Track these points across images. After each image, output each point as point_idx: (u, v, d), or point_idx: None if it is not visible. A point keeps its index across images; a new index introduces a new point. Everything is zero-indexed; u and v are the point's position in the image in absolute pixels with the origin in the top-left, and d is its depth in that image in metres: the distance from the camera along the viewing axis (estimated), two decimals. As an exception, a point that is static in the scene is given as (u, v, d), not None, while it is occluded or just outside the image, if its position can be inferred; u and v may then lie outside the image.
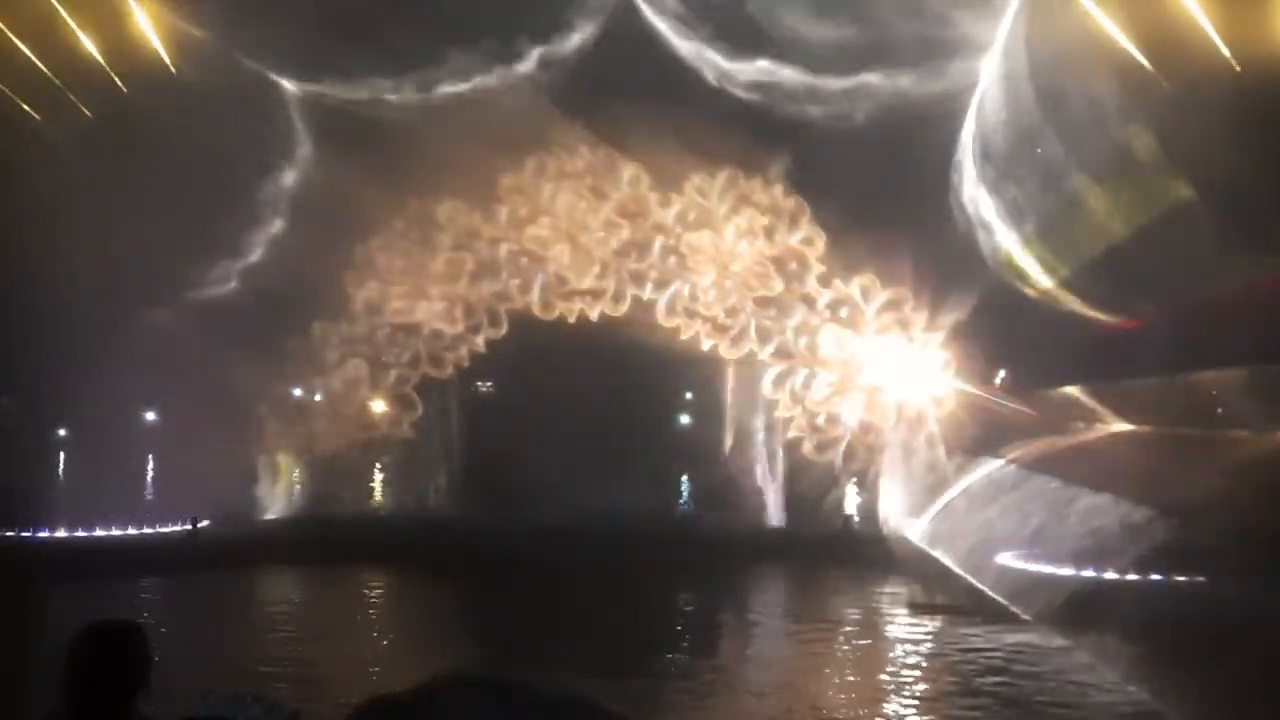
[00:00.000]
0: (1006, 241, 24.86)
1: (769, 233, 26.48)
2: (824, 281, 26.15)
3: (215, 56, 26.39)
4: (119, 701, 2.60)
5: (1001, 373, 26.03)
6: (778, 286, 26.41)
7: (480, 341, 28.09)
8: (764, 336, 26.56)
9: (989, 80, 24.38)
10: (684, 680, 15.74)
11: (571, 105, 27.02)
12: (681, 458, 31.07)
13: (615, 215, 27.65)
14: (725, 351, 26.88)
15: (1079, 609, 17.37)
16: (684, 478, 29.90)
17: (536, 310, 27.71)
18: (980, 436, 24.96)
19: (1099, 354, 24.82)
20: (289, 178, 28.11)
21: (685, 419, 29.85)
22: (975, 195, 24.98)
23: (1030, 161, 24.20)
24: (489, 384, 30.33)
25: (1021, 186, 24.50)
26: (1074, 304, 24.48)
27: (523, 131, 27.03)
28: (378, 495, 30.16)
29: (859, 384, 25.69)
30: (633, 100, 25.90)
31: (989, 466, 24.86)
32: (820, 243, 26.18)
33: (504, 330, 27.93)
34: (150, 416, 31.36)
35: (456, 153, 26.68)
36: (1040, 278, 24.99)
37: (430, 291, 28.10)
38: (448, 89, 27.15)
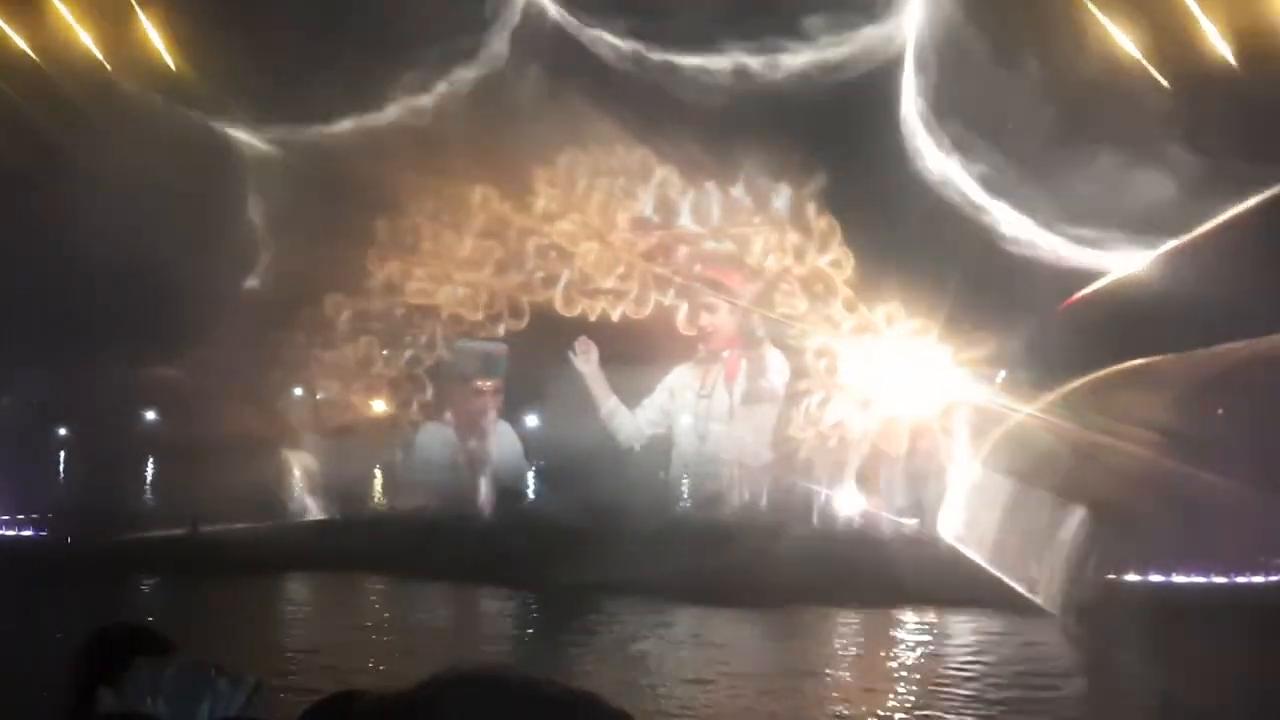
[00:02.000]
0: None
1: (799, 252, 26.71)
2: (849, 305, 26.42)
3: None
4: (81, 702, 2.67)
5: (1002, 373, 26.08)
6: (802, 306, 26.66)
7: (500, 331, 28.12)
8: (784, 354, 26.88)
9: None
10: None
11: (607, 101, 26.93)
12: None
13: (644, 217, 27.76)
14: (743, 364, 27.14)
15: None
16: (684, 479, 30.05)
17: (559, 305, 27.77)
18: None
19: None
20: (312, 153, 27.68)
21: (687, 420, 29.95)
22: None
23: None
24: (489, 383, 30.16)
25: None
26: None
27: (560, 125, 26.92)
28: (378, 493, 29.99)
29: (875, 409, 26.01)
30: (669, 101, 26.08)
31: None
32: (849, 266, 26.44)
33: (525, 322, 27.96)
34: (150, 415, 30.89)
35: (493, 140, 26.62)
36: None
37: (454, 276, 28.07)
38: (486, 76, 27.00)
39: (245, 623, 18.81)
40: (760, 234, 26.85)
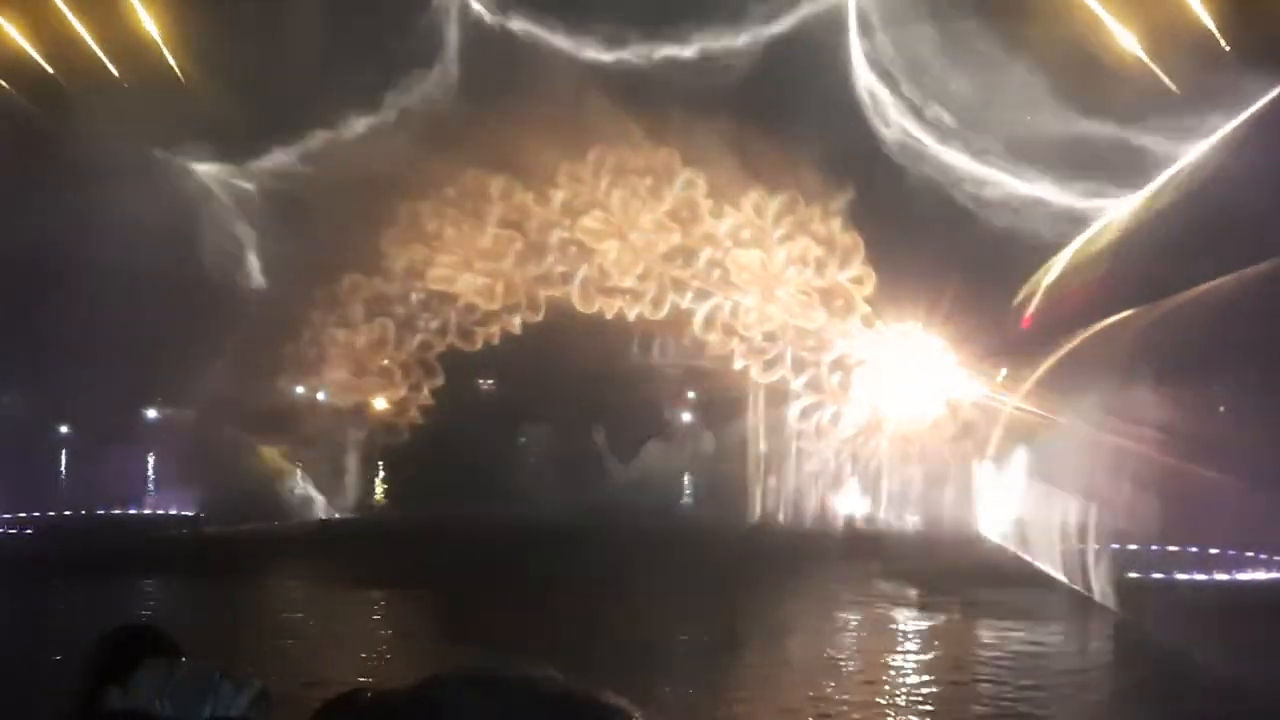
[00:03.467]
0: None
1: (820, 265, 26.72)
2: (867, 322, 26.56)
3: None
4: (88, 700, 2.70)
5: (1003, 371, 26.27)
6: (820, 319, 26.73)
7: (516, 322, 28.02)
8: (799, 367, 26.91)
9: None
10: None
11: (642, 99, 26.88)
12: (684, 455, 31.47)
13: (667, 219, 27.70)
14: (758, 375, 27.14)
15: None
16: (685, 477, 30.33)
17: (576, 301, 27.72)
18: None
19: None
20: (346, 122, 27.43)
21: (687, 417, 30.18)
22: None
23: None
24: (490, 382, 30.07)
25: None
26: None
27: (590, 119, 26.80)
28: (378, 492, 29.91)
29: (886, 429, 26.22)
30: (706, 104, 26.09)
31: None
32: (870, 283, 26.50)
33: (541, 315, 27.89)
34: (152, 414, 30.54)
35: (522, 130, 26.46)
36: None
37: (474, 265, 27.93)
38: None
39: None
40: (784, 246, 26.86)
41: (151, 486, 29.26)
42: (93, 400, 26.39)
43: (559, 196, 27.64)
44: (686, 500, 30.53)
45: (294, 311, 27.75)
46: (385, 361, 28.44)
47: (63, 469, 30.34)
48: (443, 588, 20.67)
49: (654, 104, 26.66)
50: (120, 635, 2.82)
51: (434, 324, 28.50)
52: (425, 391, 28.78)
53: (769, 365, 27.04)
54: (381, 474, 29.88)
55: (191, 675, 2.21)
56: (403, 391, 28.76)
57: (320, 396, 28.96)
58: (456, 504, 26.60)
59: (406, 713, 1.23)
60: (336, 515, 27.74)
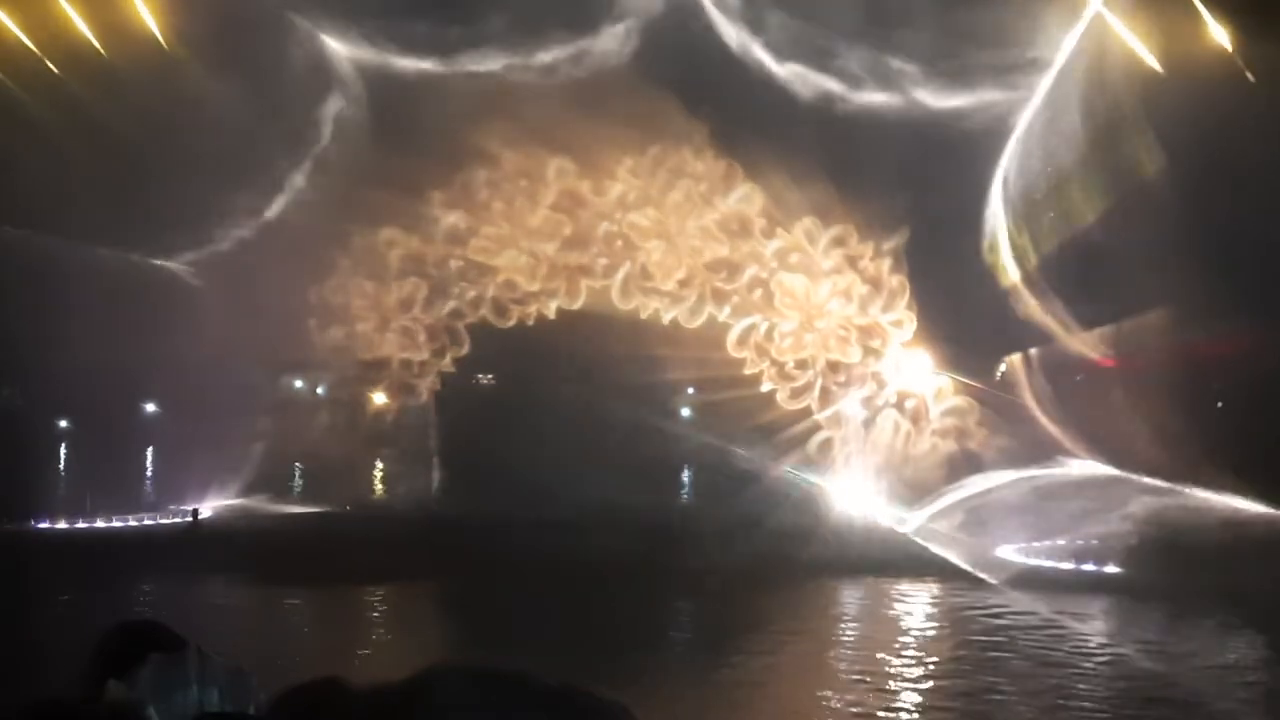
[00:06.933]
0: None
1: (864, 302, 26.97)
2: (898, 364, 26.93)
3: None
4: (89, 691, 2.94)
5: (1002, 367, 26.90)
6: (855, 356, 27.04)
7: (553, 307, 27.85)
8: (826, 399, 27.26)
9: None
10: None
11: (705, 104, 26.71)
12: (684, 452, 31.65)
13: (716, 229, 27.66)
14: (784, 400, 27.35)
15: None
16: (685, 473, 30.66)
17: (615, 296, 27.65)
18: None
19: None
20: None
21: (686, 413, 30.47)
22: None
23: None
24: (490, 377, 29.78)
25: None
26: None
27: (654, 120, 26.56)
28: (378, 488, 29.63)
29: (903, 477, 26.73)
30: (769, 118, 26.06)
31: None
32: (910, 327, 26.84)
33: (580, 303, 27.76)
34: (150, 408, 29.76)
35: (588, 117, 26.16)
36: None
37: (520, 243, 27.65)
38: (588, 53, 26.39)
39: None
40: (830, 278, 27.04)
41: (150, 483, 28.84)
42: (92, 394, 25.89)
43: (616, 190, 27.43)
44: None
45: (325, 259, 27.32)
46: (410, 321, 28.14)
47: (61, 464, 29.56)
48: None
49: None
50: (125, 630, 2.78)
51: (469, 294, 28.22)
52: (448, 359, 28.59)
53: (797, 393, 27.30)
54: (380, 469, 29.57)
55: (189, 669, 2.33)
56: (425, 355, 28.53)
57: (320, 390, 28.60)
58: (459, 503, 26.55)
59: (403, 705, 1.24)
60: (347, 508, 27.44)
